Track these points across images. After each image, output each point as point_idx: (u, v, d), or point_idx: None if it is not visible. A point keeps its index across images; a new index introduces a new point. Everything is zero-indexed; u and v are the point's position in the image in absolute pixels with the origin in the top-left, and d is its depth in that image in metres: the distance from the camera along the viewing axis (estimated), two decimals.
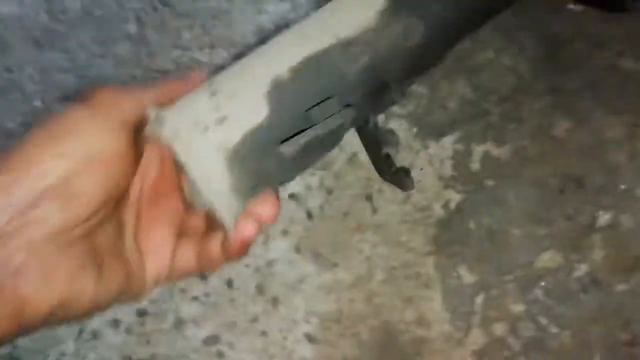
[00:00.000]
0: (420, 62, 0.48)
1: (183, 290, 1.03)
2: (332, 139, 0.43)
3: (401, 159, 1.12)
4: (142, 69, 1.36)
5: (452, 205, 1.06)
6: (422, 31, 0.46)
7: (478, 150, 1.11)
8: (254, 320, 0.99)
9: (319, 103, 0.41)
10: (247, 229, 0.40)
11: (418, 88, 1.21)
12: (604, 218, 0.98)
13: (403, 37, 0.45)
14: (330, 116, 0.41)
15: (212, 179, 0.39)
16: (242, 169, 0.40)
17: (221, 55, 1.39)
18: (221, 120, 0.39)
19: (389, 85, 0.45)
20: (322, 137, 0.41)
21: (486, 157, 1.10)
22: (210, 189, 0.39)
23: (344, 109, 0.42)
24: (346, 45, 0.43)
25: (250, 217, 0.40)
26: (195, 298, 1.03)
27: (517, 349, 0.91)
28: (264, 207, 0.40)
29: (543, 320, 0.92)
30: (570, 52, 1.18)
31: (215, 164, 0.39)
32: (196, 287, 1.02)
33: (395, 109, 1.19)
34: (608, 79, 1.12)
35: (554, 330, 0.91)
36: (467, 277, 0.98)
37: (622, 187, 1.00)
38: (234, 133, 0.40)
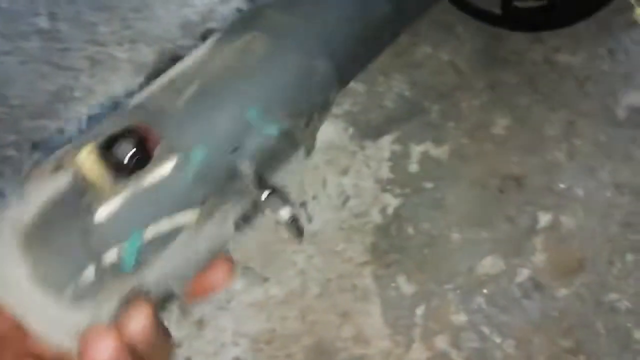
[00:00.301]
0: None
1: None
2: None
3: (337, 162, 1.06)
4: (52, 66, 1.23)
5: (390, 210, 1.00)
6: None
7: (416, 150, 1.05)
8: (178, 346, 0.90)
9: None
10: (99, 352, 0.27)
11: (355, 85, 1.14)
12: (544, 219, 0.95)
13: None
14: None
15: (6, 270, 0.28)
16: (44, 253, 0.29)
17: (143, 51, 1.29)
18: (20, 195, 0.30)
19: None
20: None
21: (425, 157, 1.04)
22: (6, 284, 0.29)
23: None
24: None
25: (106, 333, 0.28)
26: None
27: None
28: (132, 318, 0.29)
29: (486, 330, 0.88)
30: (509, 47, 1.14)
31: (8, 250, 0.29)
32: None
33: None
34: (546, 74, 1.09)
35: (497, 340, 0.87)
36: (407, 287, 0.92)
37: (562, 186, 0.97)
38: (30, 207, 0.29)
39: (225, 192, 0.34)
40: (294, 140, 0.36)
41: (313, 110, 0.38)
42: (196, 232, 0.32)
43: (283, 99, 0.36)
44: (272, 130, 0.35)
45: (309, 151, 0.38)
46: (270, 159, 0.36)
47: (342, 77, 0.42)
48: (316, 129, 0.39)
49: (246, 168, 0.34)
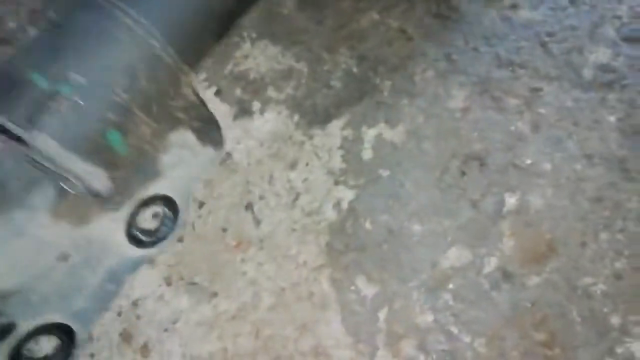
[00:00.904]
0: None
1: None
2: None
3: (284, 155, 0.96)
4: None
5: (345, 204, 0.91)
6: None
7: (369, 134, 0.96)
8: None
9: None
10: None
11: (296, 65, 1.04)
12: (511, 201, 0.87)
13: None
14: None
15: None
16: None
17: None
18: None
19: None
20: None
21: (379, 141, 0.95)
22: None
23: None
24: None
25: None
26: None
27: None
28: None
29: (454, 329, 0.81)
30: (462, 7, 1.04)
31: None
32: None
33: (271, 93, 1.01)
34: (506, 35, 0.99)
35: (467, 339, 0.80)
36: (367, 289, 0.85)
37: (528, 161, 0.89)
38: None
39: None
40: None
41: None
42: None
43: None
44: None
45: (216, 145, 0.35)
46: None
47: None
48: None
49: None
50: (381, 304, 0.84)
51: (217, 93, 1.02)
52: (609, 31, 0.95)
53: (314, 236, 0.89)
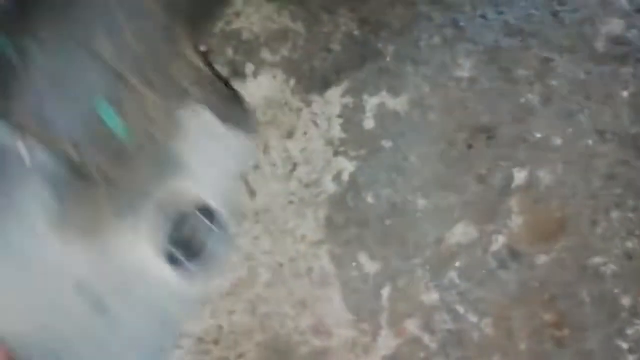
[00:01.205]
0: None
1: None
2: None
3: (280, 123, 0.90)
4: None
5: (345, 176, 0.86)
6: None
7: (371, 103, 0.90)
8: None
9: None
10: None
11: (293, 25, 0.97)
12: (520, 176, 0.83)
13: None
14: None
15: None
16: None
17: None
18: None
19: None
20: None
21: (381, 111, 0.90)
22: None
23: None
24: None
25: None
26: None
27: (434, 348, 0.77)
28: None
29: (460, 309, 0.78)
30: None
31: None
32: None
33: (266, 55, 0.94)
34: (516, 2, 0.94)
35: (473, 319, 0.78)
36: (369, 265, 0.81)
37: (538, 135, 0.85)
38: None
39: None
40: None
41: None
42: None
43: None
44: None
45: None
46: None
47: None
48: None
49: None
50: (384, 281, 0.80)
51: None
52: (622, 2, 0.92)
53: (312, 210, 0.84)
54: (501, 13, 0.94)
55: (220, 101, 0.81)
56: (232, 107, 0.82)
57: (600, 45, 0.89)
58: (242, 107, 0.78)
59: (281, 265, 0.81)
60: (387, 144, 0.87)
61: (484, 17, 0.94)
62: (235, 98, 0.82)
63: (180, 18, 0.86)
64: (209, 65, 0.89)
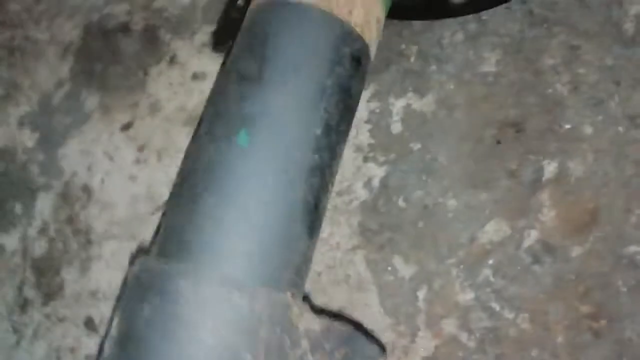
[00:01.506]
0: None
1: None
2: None
3: None
4: None
5: (376, 182, 0.89)
6: None
7: (397, 105, 0.92)
8: None
9: None
10: None
11: None
12: (550, 168, 0.83)
13: None
14: None
15: None
16: None
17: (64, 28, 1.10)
18: None
19: None
20: None
21: (408, 113, 0.91)
22: None
23: None
24: None
25: None
26: None
27: (472, 346, 0.79)
28: None
29: (496, 306, 0.80)
30: None
31: None
32: None
33: None
34: None
35: (509, 315, 0.79)
36: (404, 269, 0.83)
37: (567, 126, 0.85)
38: None
39: None
40: None
41: None
42: None
43: None
44: None
45: None
46: None
47: None
48: None
49: None
50: (419, 283, 0.83)
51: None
52: None
53: (345, 217, 0.88)
54: (524, 2, 0.92)
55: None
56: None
57: (628, 27, 0.86)
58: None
59: (318, 274, 0.85)
60: (415, 146, 0.89)
61: (506, 7, 0.93)
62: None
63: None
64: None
